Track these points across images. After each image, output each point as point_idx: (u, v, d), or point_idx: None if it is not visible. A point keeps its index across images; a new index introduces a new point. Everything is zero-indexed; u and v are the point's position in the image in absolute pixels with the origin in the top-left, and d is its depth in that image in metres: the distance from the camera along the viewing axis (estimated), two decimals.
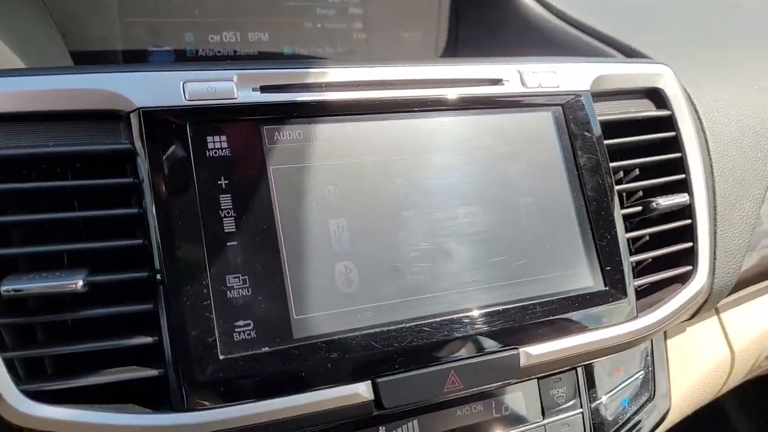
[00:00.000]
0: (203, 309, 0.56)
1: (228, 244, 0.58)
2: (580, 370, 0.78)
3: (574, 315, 0.68)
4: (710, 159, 0.84)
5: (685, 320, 0.84)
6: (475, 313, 0.64)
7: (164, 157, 0.57)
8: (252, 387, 0.56)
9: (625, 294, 0.71)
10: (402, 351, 0.61)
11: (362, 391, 0.59)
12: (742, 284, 0.86)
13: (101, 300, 0.56)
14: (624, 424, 0.80)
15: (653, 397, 0.83)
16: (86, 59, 0.92)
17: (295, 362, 0.57)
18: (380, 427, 0.69)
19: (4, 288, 0.52)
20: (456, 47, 1.11)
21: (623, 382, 0.81)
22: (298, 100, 0.63)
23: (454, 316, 0.63)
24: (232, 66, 0.63)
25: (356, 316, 0.61)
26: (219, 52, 1.00)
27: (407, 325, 0.62)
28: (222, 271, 0.57)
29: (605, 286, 0.71)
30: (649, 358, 0.84)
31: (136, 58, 0.96)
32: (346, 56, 1.08)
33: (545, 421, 0.75)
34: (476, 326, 0.64)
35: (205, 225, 0.57)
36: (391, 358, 0.60)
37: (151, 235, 0.57)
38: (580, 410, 0.77)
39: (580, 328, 0.68)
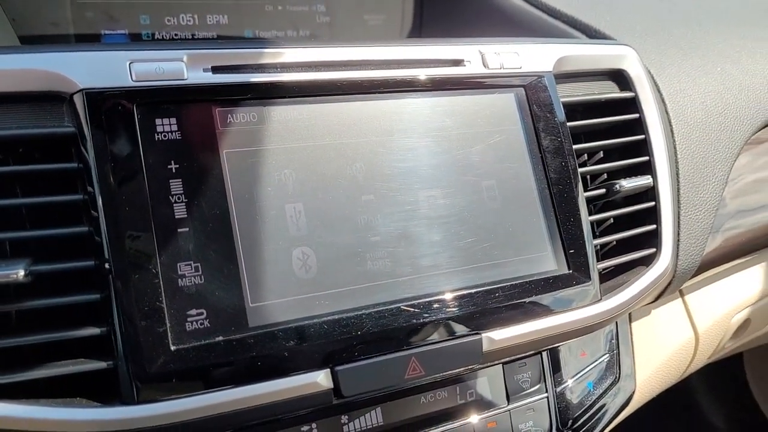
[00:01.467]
0: (153, 298, 0.54)
1: (179, 230, 0.56)
2: (545, 354, 0.78)
3: (537, 299, 0.68)
4: (674, 141, 0.83)
5: (650, 303, 0.83)
6: (437, 298, 0.63)
7: (110, 140, 0.55)
8: (205, 378, 0.54)
9: (589, 277, 0.71)
10: (362, 338, 0.59)
11: (321, 379, 0.58)
12: (705, 266, 0.86)
13: (47, 291, 0.54)
14: (589, 408, 0.79)
15: (618, 379, 0.83)
16: (37, 45, 0.88)
17: (250, 351, 0.56)
18: (342, 416, 0.67)
19: None
20: (420, 31, 1.09)
21: (588, 366, 0.81)
22: (252, 81, 0.61)
23: (415, 302, 0.62)
24: (181, 45, 0.60)
25: (314, 303, 0.59)
26: (176, 35, 0.97)
27: (367, 311, 0.60)
28: (173, 258, 0.55)
29: (569, 269, 0.70)
30: (614, 341, 0.84)
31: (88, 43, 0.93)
32: (309, 40, 1.06)
33: (510, 407, 0.75)
34: (438, 312, 0.63)
35: (154, 211, 0.55)
36: (350, 346, 0.59)
37: (98, 222, 0.54)
38: (546, 395, 0.77)
39: (543, 312, 0.68)
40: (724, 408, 2.00)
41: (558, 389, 0.78)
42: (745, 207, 0.92)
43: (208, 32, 0.99)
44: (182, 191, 0.57)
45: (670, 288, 0.82)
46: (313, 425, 0.66)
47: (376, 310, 0.61)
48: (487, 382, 0.74)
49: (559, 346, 0.78)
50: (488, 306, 0.65)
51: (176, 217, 0.56)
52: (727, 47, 0.98)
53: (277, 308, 0.58)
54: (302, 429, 0.66)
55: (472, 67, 0.71)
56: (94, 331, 0.53)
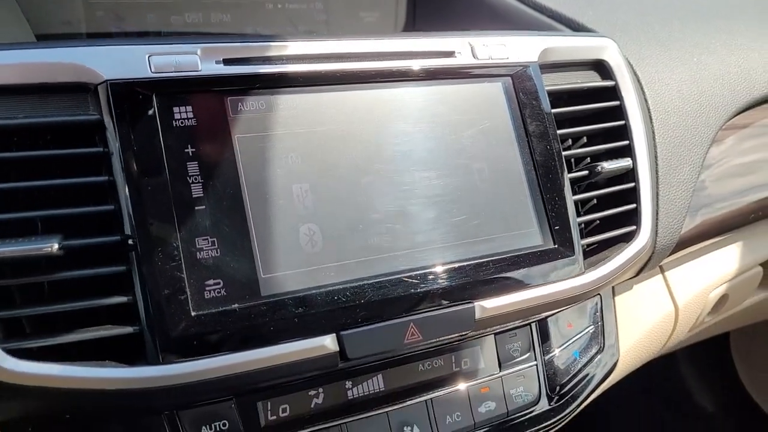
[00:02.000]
0: (175, 269, 0.59)
1: (196, 208, 0.61)
2: (533, 325, 0.83)
3: (525, 271, 0.73)
4: (652, 126, 0.89)
5: (632, 277, 0.89)
6: (433, 270, 0.69)
7: (132, 126, 0.60)
8: (223, 341, 0.60)
9: (573, 251, 0.76)
10: (364, 306, 0.65)
11: (327, 343, 0.63)
12: (683, 244, 0.92)
13: (73, 266, 0.59)
14: (576, 375, 0.85)
15: (603, 349, 0.88)
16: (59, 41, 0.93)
17: (263, 318, 0.61)
18: (346, 381, 0.73)
19: None
20: (414, 27, 1.15)
21: (574, 336, 0.87)
22: (260, 72, 0.66)
23: (413, 273, 0.68)
24: (196, 40, 0.66)
25: (321, 274, 0.65)
26: (181, 34, 1.03)
27: (369, 282, 0.66)
28: (191, 233, 0.60)
29: (554, 244, 0.76)
30: (598, 314, 0.89)
31: None
32: (310, 35, 1.11)
33: (502, 373, 0.80)
34: (434, 282, 0.68)
35: (173, 190, 0.60)
36: (354, 313, 0.64)
37: (121, 201, 0.60)
38: (535, 362, 0.82)
39: (531, 283, 0.73)
40: (712, 390, 2.06)
41: (546, 357, 0.83)
42: (720, 190, 0.98)
43: (211, 30, 1.05)
44: (198, 172, 0.62)
45: (650, 263, 0.87)
46: (320, 390, 0.71)
47: (377, 280, 0.66)
48: (481, 351, 0.80)
49: (546, 317, 0.83)
50: (480, 277, 0.70)
51: (193, 196, 0.61)
52: (703, 39, 1.04)
53: (287, 279, 0.63)
54: (310, 393, 0.71)
55: (463, 58, 0.76)
56: (120, 299, 0.59)
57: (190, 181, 0.61)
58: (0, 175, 0.59)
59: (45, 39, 0.93)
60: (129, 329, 0.58)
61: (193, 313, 0.59)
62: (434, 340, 0.69)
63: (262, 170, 0.64)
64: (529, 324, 0.83)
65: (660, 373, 2.04)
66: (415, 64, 0.73)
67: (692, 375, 2.06)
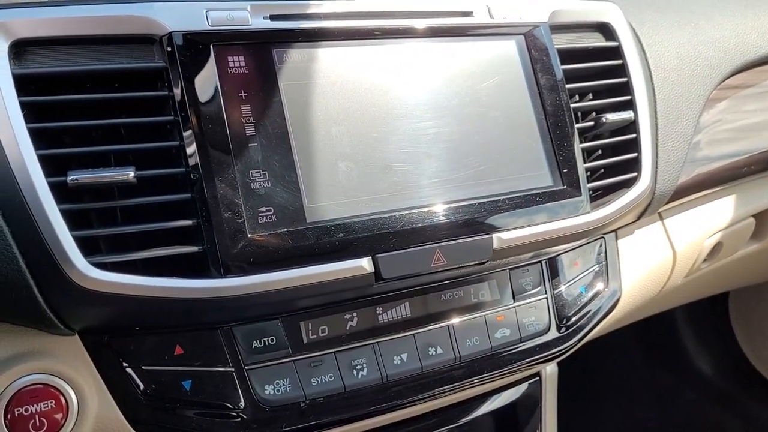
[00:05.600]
0: (233, 197, 0.67)
1: (249, 145, 0.70)
2: (544, 263, 0.92)
3: (537, 208, 0.82)
4: (652, 83, 0.97)
5: (633, 222, 0.97)
6: (455, 204, 0.77)
7: (194, 72, 0.68)
8: (275, 260, 0.68)
9: (580, 192, 0.85)
10: (396, 234, 0.73)
11: (364, 264, 0.72)
12: (681, 193, 1.00)
13: (142, 195, 0.68)
14: (582, 308, 0.94)
15: (607, 286, 0.97)
16: None
17: (308, 241, 0.69)
18: (377, 308, 0.81)
19: (70, 178, 0.63)
20: None
21: (581, 274, 0.95)
22: (303, 28, 0.74)
23: (438, 206, 0.76)
24: None
25: (357, 205, 0.73)
26: None
27: (399, 213, 0.74)
28: (246, 166, 0.69)
29: (563, 185, 0.84)
30: (602, 255, 0.98)
31: None
32: None
33: (516, 304, 0.89)
34: (456, 215, 0.77)
35: (230, 129, 0.69)
36: (387, 239, 0.73)
37: (185, 138, 0.68)
38: (545, 296, 0.91)
39: (542, 218, 0.82)
40: (709, 351, 2.14)
41: (555, 292, 0.92)
42: (715, 145, 1.06)
43: None
44: (250, 114, 0.70)
45: (649, 209, 0.96)
46: (354, 314, 0.80)
47: (406, 212, 0.74)
48: (497, 284, 0.88)
49: (556, 255, 0.92)
50: (497, 212, 0.79)
51: (247, 134, 0.70)
52: (700, 7, 1.11)
53: (329, 208, 0.72)
54: (346, 317, 0.80)
55: (480, 18, 0.84)
56: (187, 222, 0.67)
57: (244, 122, 0.70)
58: (76, 116, 0.67)
59: None
60: (195, 248, 0.67)
61: (249, 235, 0.67)
62: (457, 266, 0.77)
63: (305, 113, 0.73)
64: (540, 261, 0.91)
65: (659, 336, 2.13)
66: (438, 23, 0.82)
67: (690, 337, 2.14)
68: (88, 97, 0.67)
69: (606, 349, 2.08)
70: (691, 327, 2.15)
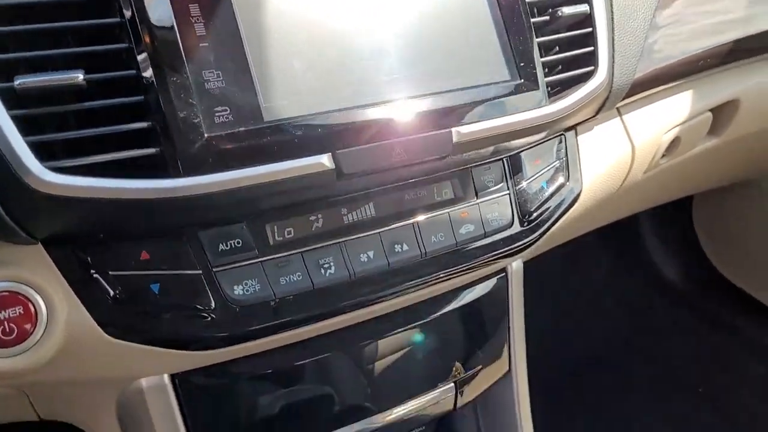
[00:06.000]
0: (187, 97, 0.67)
1: (200, 45, 0.68)
2: (505, 160, 0.93)
3: (495, 101, 0.82)
4: None
5: (592, 117, 0.99)
6: (414, 100, 0.77)
7: None
8: (234, 158, 0.68)
9: (537, 86, 0.85)
10: (356, 128, 0.74)
11: (324, 161, 0.72)
12: (638, 87, 1.01)
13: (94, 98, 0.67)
14: (544, 203, 0.96)
15: (567, 181, 0.99)
16: None
17: (266, 138, 0.69)
18: (342, 208, 0.82)
19: (17, 82, 0.62)
20: None
21: (542, 170, 0.97)
22: None
23: (397, 102, 0.76)
24: None
25: (316, 102, 0.73)
26: None
27: (358, 110, 0.74)
28: (198, 66, 0.68)
29: (520, 78, 0.84)
30: (563, 151, 1.00)
31: None
32: None
33: (479, 201, 0.90)
34: (415, 110, 0.77)
35: (179, 29, 0.67)
36: (346, 135, 0.73)
37: (136, 39, 0.67)
38: (508, 192, 0.93)
39: (500, 112, 0.82)
40: (678, 262, 2.22)
41: (517, 188, 0.94)
42: (671, 39, 1.07)
43: None
44: (200, 13, 0.69)
45: (607, 103, 0.97)
46: (319, 215, 0.81)
47: (365, 109, 0.75)
48: (459, 182, 0.90)
49: (517, 152, 0.93)
50: (455, 106, 0.79)
51: (197, 34, 0.69)
52: None
53: (287, 107, 0.71)
54: (311, 218, 0.81)
55: None
56: (142, 124, 0.67)
57: (193, 21, 0.69)
58: (21, 18, 0.66)
59: None
60: (152, 150, 0.67)
61: (206, 135, 0.67)
62: (418, 161, 0.78)
63: (257, 11, 0.72)
64: (502, 159, 0.93)
65: (627, 246, 2.18)
66: None
67: (657, 248, 2.21)
68: (33, 0, 0.65)
69: (576, 261, 2.13)
70: (657, 237, 2.21)
